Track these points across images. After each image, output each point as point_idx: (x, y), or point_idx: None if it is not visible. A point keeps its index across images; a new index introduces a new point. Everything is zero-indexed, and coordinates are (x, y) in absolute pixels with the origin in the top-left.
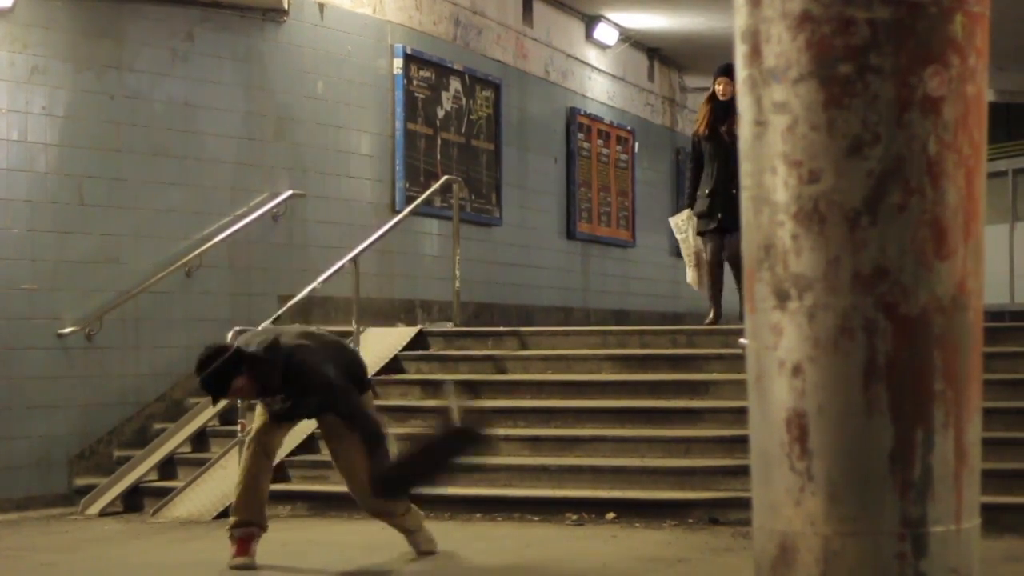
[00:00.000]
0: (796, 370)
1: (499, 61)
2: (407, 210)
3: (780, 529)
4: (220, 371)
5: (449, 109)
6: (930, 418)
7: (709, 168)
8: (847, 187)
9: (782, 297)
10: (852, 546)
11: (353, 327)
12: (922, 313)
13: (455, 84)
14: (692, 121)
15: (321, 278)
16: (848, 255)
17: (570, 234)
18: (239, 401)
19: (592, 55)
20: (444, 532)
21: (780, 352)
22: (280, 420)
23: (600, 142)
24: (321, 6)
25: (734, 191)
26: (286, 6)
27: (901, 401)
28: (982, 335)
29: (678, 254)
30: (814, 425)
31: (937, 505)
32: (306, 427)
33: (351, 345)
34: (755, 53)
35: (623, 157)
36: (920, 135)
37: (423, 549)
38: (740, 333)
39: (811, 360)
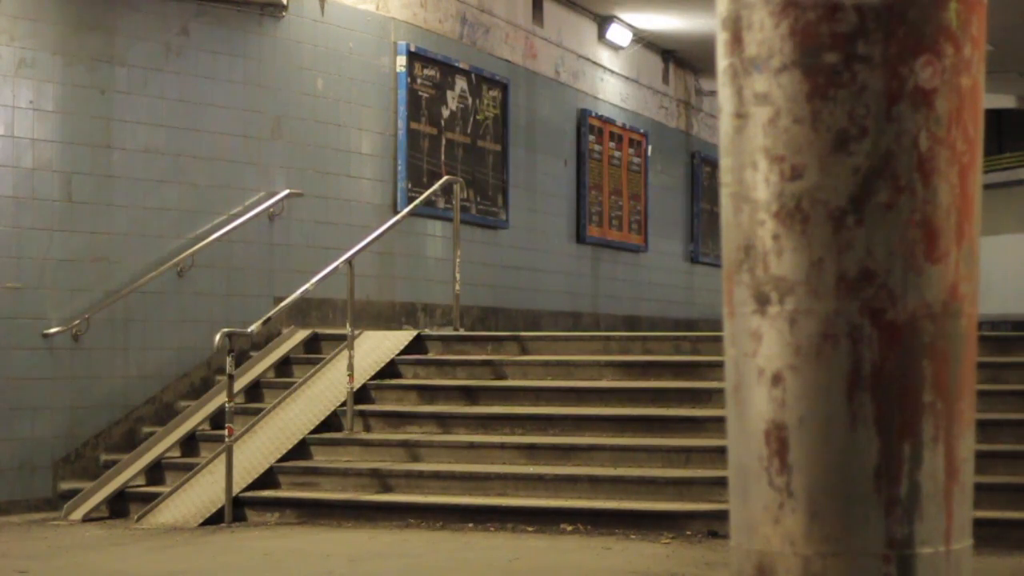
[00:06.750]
0: (776, 379)
1: (507, 60)
2: (404, 211)
3: (757, 548)
4: None
5: (455, 109)
6: (918, 432)
7: None
8: (832, 184)
9: (762, 301)
10: (834, 567)
11: (347, 330)
12: (911, 319)
13: (461, 83)
14: (708, 125)
15: (313, 280)
16: (832, 257)
17: (580, 238)
18: (228, 405)
19: (604, 56)
20: (434, 542)
21: (759, 360)
22: None
23: (612, 144)
24: (322, 1)
25: None
26: (285, 1)
27: (887, 413)
28: (976, 344)
29: (692, 259)
30: (794, 438)
31: (925, 525)
32: (297, 430)
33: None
34: (736, 41)
35: (636, 160)
36: (910, 129)
37: None
38: None
39: (792, 369)
